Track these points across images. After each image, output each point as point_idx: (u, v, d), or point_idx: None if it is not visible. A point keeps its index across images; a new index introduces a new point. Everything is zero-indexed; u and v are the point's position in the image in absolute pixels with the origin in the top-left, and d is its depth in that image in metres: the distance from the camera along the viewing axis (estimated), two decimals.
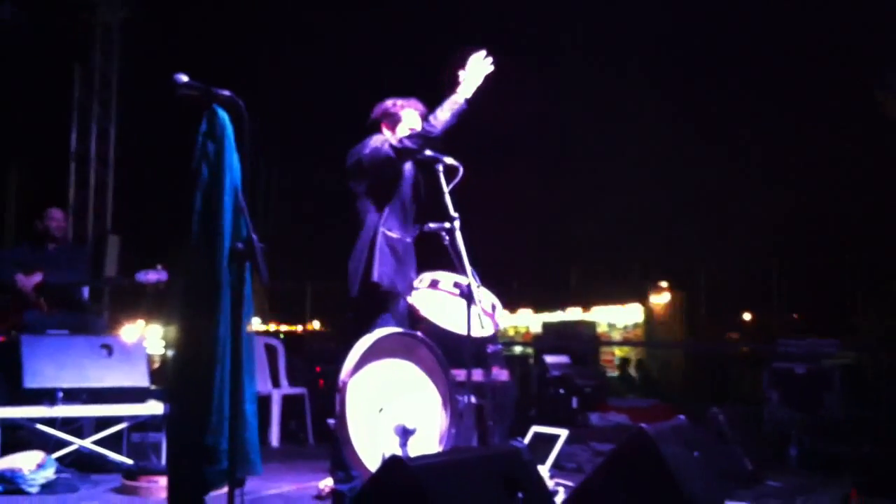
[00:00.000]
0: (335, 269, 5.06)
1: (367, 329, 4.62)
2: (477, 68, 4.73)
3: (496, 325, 4.99)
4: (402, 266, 4.89)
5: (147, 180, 11.77)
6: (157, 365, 8.52)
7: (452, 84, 4.76)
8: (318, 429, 8.34)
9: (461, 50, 4.79)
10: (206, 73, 3.61)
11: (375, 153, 4.88)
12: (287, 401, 8.36)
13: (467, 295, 4.59)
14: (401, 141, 4.82)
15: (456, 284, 4.81)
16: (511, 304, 19.83)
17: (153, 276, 6.48)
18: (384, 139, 4.93)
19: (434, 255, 4.88)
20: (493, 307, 4.98)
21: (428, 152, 4.86)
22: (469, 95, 4.72)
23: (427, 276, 4.99)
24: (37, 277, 6.64)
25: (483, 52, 4.73)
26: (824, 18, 12.00)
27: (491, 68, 4.74)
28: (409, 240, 4.98)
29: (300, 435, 8.49)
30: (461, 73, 4.74)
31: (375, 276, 4.76)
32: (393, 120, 5.04)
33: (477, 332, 4.71)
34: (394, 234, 4.88)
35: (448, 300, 4.94)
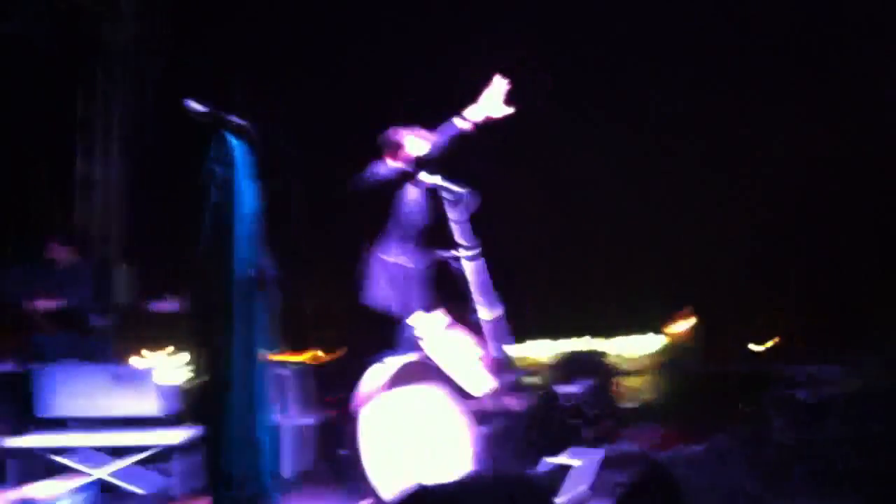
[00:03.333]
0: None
1: (367, 352, 4.67)
2: (496, 97, 4.70)
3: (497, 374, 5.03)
4: (398, 290, 4.91)
5: (156, 203, 11.75)
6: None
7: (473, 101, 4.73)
8: (329, 459, 8.31)
9: (485, 67, 4.73)
10: (215, 94, 3.64)
11: (375, 177, 4.96)
12: (298, 431, 8.33)
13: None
14: (397, 166, 4.87)
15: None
16: (522, 334, 19.71)
17: (165, 306, 6.52)
18: (387, 164, 4.97)
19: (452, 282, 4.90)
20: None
21: (433, 179, 4.89)
22: (478, 119, 4.66)
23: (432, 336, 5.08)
24: (48, 304, 6.66)
25: (504, 82, 4.70)
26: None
27: (509, 110, 4.71)
28: (410, 265, 4.98)
29: (313, 465, 8.46)
30: (483, 95, 4.70)
31: (366, 298, 4.83)
32: (394, 147, 5.08)
33: (479, 391, 4.77)
34: (388, 258, 4.91)
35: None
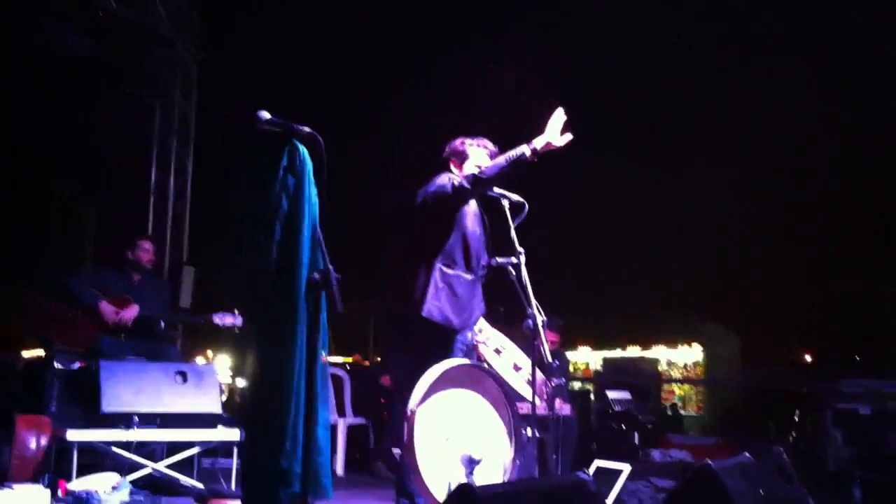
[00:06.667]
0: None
1: (419, 362, 4.70)
2: (557, 127, 4.65)
3: (541, 391, 5.10)
4: (460, 301, 4.93)
5: (222, 212, 12.07)
6: (225, 395, 8.63)
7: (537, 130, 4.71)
8: (383, 458, 8.42)
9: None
10: (282, 108, 3.75)
11: (440, 190, 4.95)
12: (352, 430, 8.47)
13: (535, 362, 4.75)
14: (460, 180, 4.93)
15: (515, 366, 5.04)
16: (571, 341, 19.75)
17: (229, 319, 6.69)
18: (451, 177, 5.02)
19: (501, 289, 4.98)
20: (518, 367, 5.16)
21: (495, 189, 4.96)
22: (539, 146, 4.64)
23: (493, 338, 5.15)
24: (134, 310, 6.83)
25: (562, 111, 4.66)
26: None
27: (570, 137, 4.64)
28: (470, 276, 5.00)
29: (365, 464, 8.59)
30: (550, 124, 4.66)
31: (424, 310, 4.85)
32: (461, 158, 5.13)
33: (530, 395, 4.84)
34: (451, 271, 4.94)
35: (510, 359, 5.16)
